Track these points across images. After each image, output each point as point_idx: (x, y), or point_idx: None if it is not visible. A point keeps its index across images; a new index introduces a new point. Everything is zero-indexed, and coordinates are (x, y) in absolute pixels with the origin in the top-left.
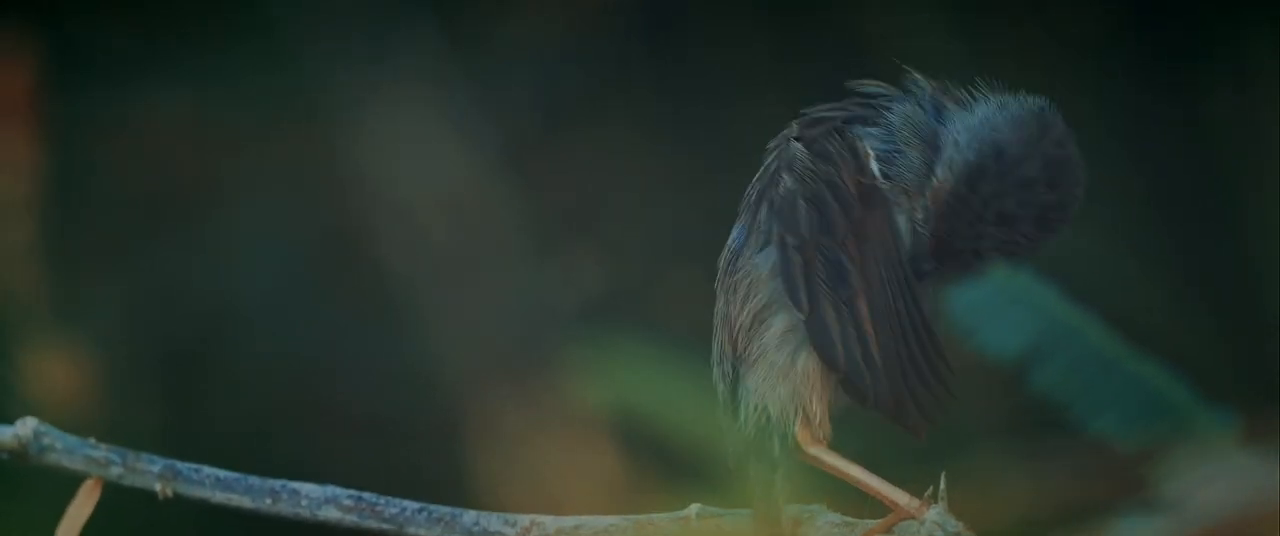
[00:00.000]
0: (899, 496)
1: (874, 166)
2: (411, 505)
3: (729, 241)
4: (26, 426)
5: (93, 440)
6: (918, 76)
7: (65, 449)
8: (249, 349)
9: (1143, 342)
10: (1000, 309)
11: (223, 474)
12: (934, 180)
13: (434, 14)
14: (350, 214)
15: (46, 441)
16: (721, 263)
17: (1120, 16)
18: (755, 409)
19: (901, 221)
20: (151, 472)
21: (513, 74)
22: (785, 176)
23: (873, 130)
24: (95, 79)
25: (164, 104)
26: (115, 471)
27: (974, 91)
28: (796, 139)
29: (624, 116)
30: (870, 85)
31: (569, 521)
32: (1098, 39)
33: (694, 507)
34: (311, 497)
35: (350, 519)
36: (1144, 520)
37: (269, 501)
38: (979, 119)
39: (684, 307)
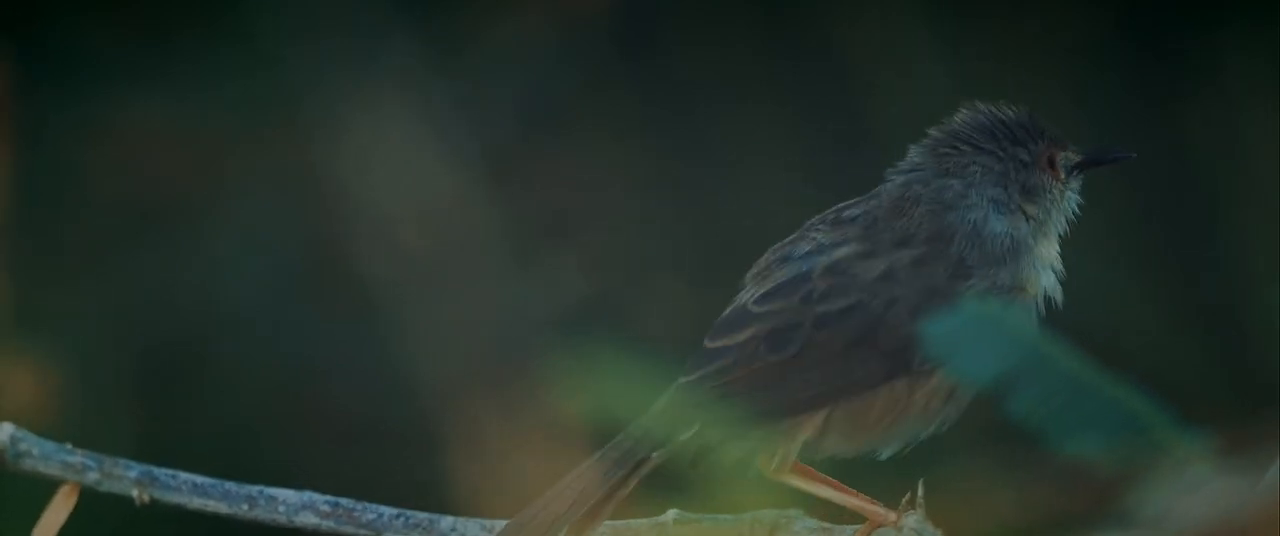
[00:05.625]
0: (874, 506)
1: None
2: (389, 510)
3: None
4: (3, 431)
5: (69, 445)
6: None
7: (41, 454)
8: (231, 355)
9: (1126, 349)
10: (973, 338)
11: (200, 479)
12: None
13: (416, 20)
14: (332, 219)
15: (23, 446)
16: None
17: (1105, 23)
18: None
19: None
20: (128, 478)
21: (495, 80)
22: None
23: None
24: (77, 85)
25: (147, 110)
26: (92, 477)
27: None
28: None
29: (606, 122)
30: None
31: None
32: (1083, 45)
33: (671, 513)
34: (288, 503)
35: (327, 524)
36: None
37: (246, 507)
38: None
39: (665, 314)
